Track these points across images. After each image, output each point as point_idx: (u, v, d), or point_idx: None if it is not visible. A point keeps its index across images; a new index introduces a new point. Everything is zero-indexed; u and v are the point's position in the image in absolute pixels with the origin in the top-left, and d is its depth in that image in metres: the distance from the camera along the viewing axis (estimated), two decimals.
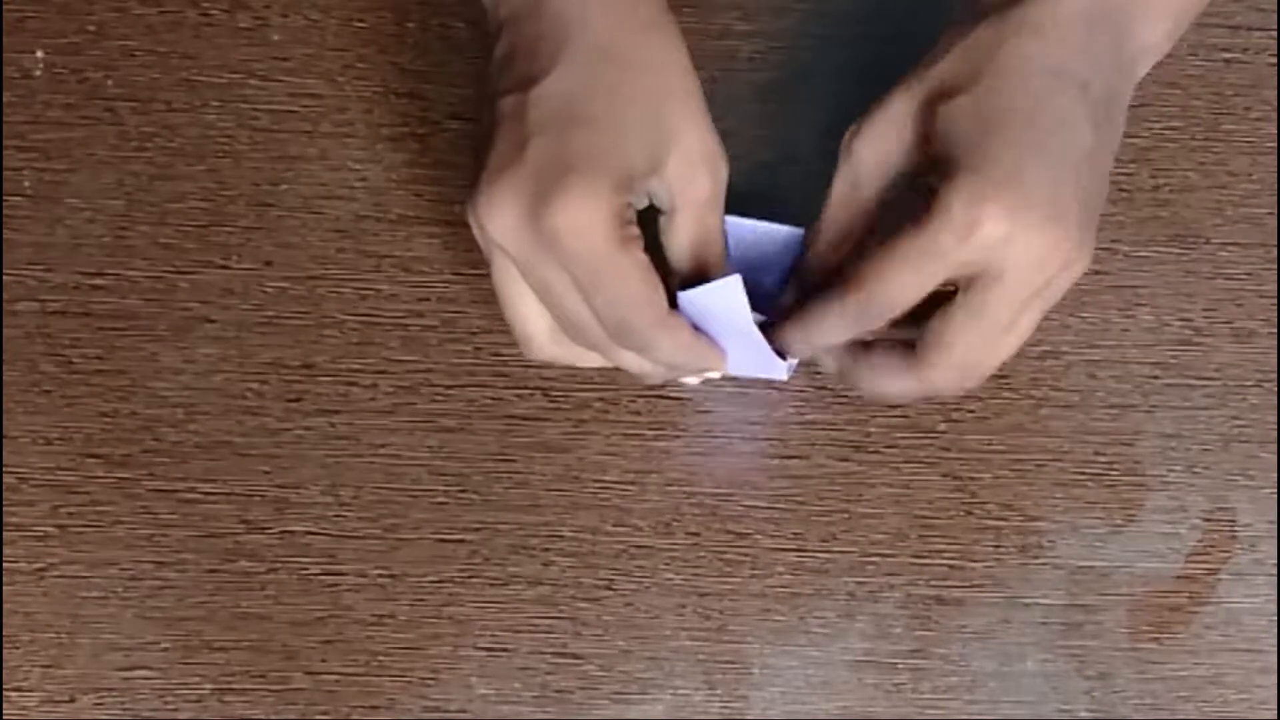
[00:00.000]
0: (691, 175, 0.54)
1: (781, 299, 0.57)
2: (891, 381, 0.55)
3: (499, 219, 0.51)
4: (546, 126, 0.52)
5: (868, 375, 0.56)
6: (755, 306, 0.54)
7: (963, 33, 0.53)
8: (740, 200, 0.63)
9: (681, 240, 0.55)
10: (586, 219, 0.51)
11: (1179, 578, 0.63)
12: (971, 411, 0.64)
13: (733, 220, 0.57)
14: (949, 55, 0.52)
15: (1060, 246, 0.51)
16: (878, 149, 0.54)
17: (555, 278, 0.52)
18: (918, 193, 0.52)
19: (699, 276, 0.55)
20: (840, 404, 0.63)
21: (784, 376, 0.58)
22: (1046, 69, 0.51)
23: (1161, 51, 0.55)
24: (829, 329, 0.54)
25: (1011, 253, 0.50)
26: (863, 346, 0.56)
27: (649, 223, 0.55)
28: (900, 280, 0.51)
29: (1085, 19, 0.52)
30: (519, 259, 0.52)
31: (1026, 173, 0.50)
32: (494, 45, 0.54)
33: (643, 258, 0.52)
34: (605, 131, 0.52)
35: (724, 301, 0.54)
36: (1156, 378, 0.64)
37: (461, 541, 0.63)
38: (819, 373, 0.61)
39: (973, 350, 0.53)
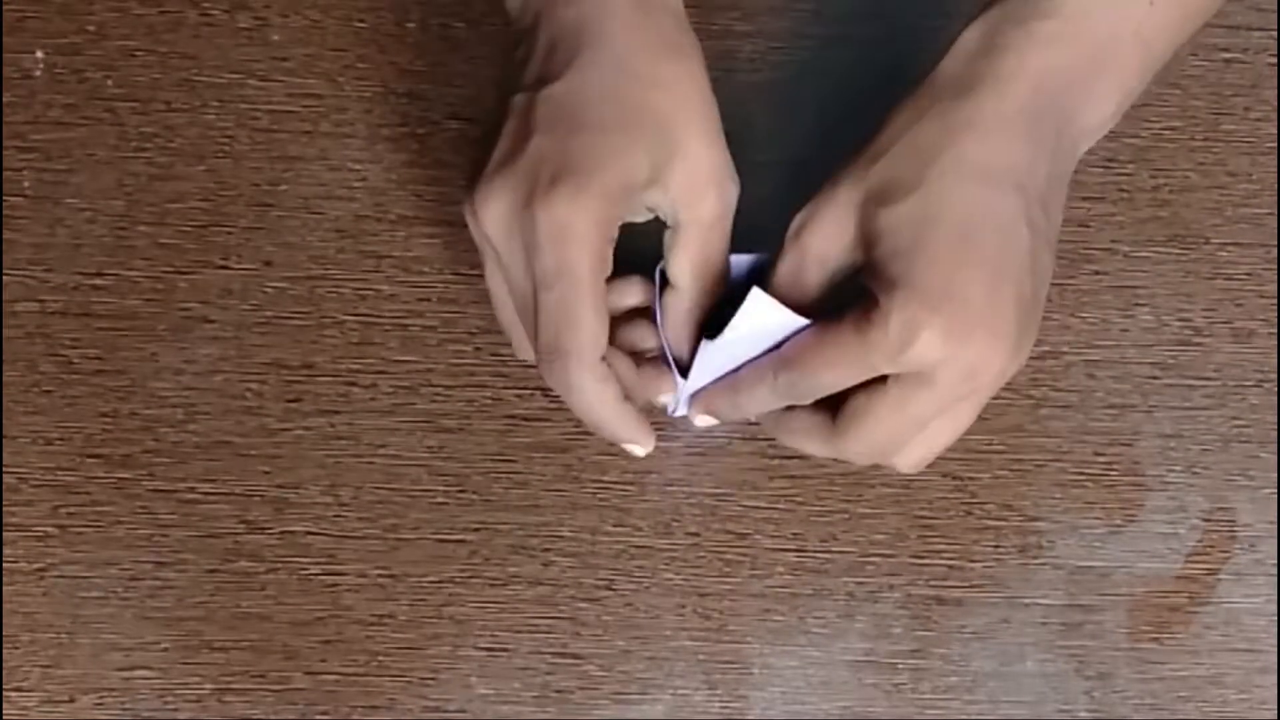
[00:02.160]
0: (697, 193, 0.53)
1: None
2: (808, 442, 0.57)
3: (491, 210, 0.52)
4: (551, 126, 0.52)
5: (786, 433, 0.57)
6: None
7: (909, 124, 0.52)
8: (741, 198, 0.63)
9: (682, 259, 0.55)
10: (568, 218, 0.51)
11: (1179, 578, 0.63)
12: None
13: None
14: (892, 153, 0.52)
15: (994, 359, 0.51)
16: (821, 244, 0.54)
17: (521, 271, 0.53)
18: (861, 285, 0.53)
19: (701, 297, 0.56)
20: None
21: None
22: (986, 174, 0.51)
23: (1108, 126, 0.55)
24: (757, 400, 0.56)
25: (944, 366, 0.51)
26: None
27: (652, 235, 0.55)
28: (832, 372, 0.53)
29: (1029, 115, 0.52)
30: (500, 252, 0.53)
31: (964, 289, 0.50)
32: (514, 49, 0.54)
33: (603, 287, 0.52)
34: (608, 137, 0.52)
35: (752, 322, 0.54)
36: (1156, 378, 0.64)
37: (461, 541, 0.63)
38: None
39: (890, 435, 0.54)
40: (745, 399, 0.56)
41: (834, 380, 0.53)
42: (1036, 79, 0.52)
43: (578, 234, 0.51)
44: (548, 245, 0.51)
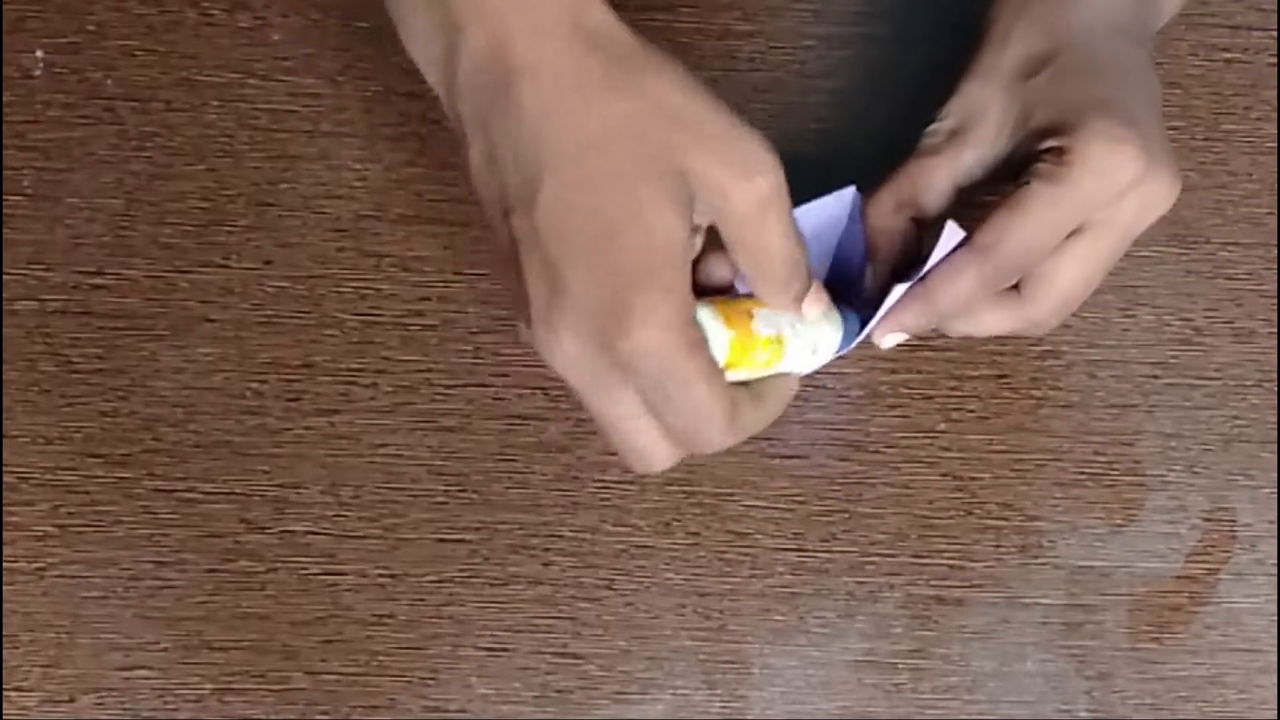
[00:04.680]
0: (724, 193, 0.49)
1: (865, 285, 0.57)
2: (1000, 322, 0.56)
3: (563, 355, 0.49)
4: (571, 251, 0.48)
5: (974, 323, 0.56)
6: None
7: (1021, 8, 0.55)
8: None
9: (736, 255, 0.52)
10: (658, 337, 0.48)
11: (1179, 578, 0.63)
12: (971, 411, 0.64)
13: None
14: (1015, 34, 0.54)
15: (1173, 189, 0.53)
16: (978, 138, 0.55)
17: (624, 398, 0.50)
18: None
19: (763, 286, 0.52)
20: (840, 404, 0.63)
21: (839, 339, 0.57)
22: (1112, 31, 0.54)
23: (1175, 11, 0.59)
24: (959, 297, 0.54)
25: (1135, 195, 0.52)
26: None
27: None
28: (1038, 237, 0.53)
29: None
30: (584, 388, 0.50)
31: (1141, 118, 0.52)
32: (465, 147, 0.50)
33: (708, 362, 0.50)
34: (628, 231, 0.48)
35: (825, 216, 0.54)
36: (1156, 378, 0.64)
37: (461, 541, 0.63)
38: (819, 372, 0.61)
39: (1079, 287, 0.55)
40: (944, 299, 0.54)
41: (1042, 245, 0.53)
42: None
43: (672, 343, 0.48)
44: (648, 371, 0.49)
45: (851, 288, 0.57)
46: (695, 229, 0.51)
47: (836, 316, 0.56)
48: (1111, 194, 0.52)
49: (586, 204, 0.48)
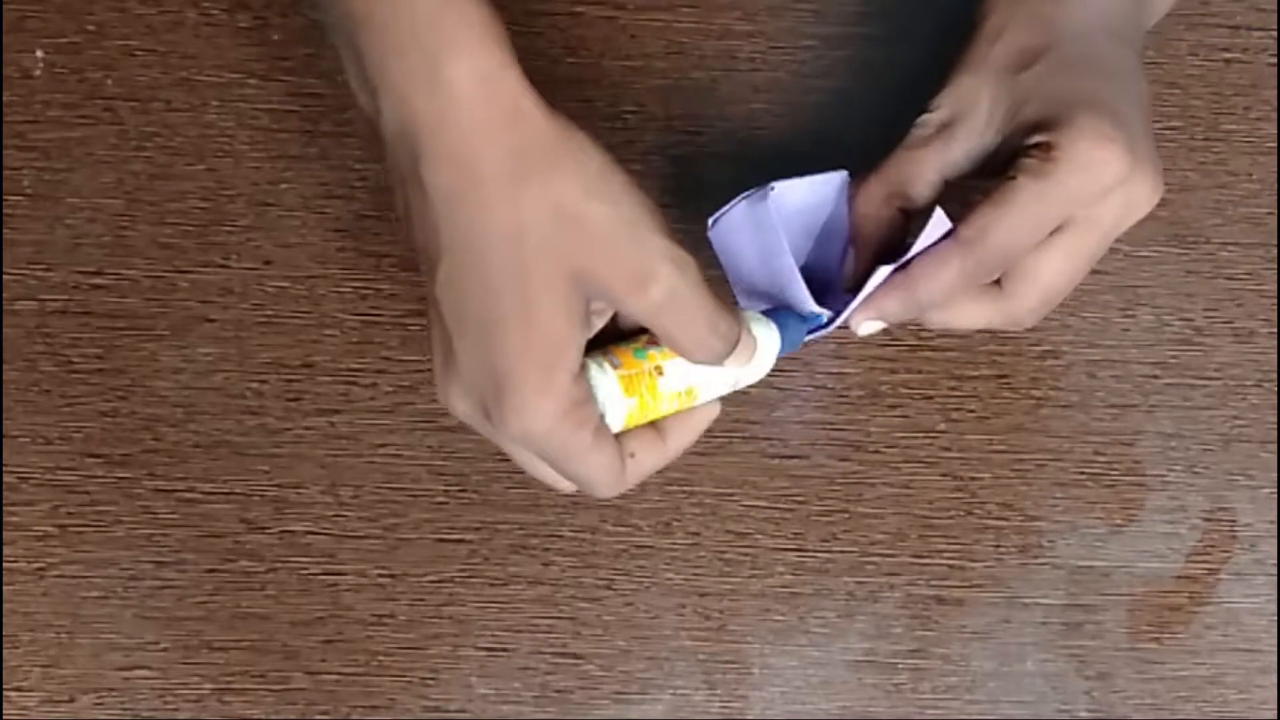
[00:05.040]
0: (618, 300, 0.49)
1: (844, 268, 0.57)
2: (979, 316, 0.56)
3: (457, 411, 0.51)
4: (460, 330, 0.49)
5: (957, 315, 0.56)
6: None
7: (1010, 7, 0.55)
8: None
9: (667, 340, 0.52)
10: (536, 426, 0.49)
11: (1179, 578, 0.63)
12: (971, 411, 0.64)
13: (781, 184, 0.56)
14: (1010, 29, 0.55)
15: (1155, 191, 0.53)
16: (968, 129, 0.55)
17: (518, 453, 0.53)
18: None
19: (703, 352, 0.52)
20: (840, 404, 0.63)
21: (817, 311, 0.56)
22: (1104, 30, 0.55)
23: (1165, 11, 0.59)
24: (943, 284, 0.54)
25: (1119, 193, 0.52)
26: None
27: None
28: (1021, 232, 0.53)
29: None
30: (485, 435, 0.52)
31: (1129, 118, 0.53)
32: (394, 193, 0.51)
33: (592, 435, 0.50)
34: (514, 327, 0.48)
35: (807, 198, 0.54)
36: (1156, 377, 0.64)
37: (461, 541, 0.63)
38: (819, 372, 0.61)
39: (1060, 282, 0.55)
40: (925, 291, 0.54)
41: (1026, 240, 0.53)
42: None
43: (547, 425, 0.49)
44: (529, 445, 0.51)
45: (830, 271, 0.57)
46: (597, 311, 0.52)
47: (770, 323, 0.55)
48: (1096, 191, 0.52)
49: (478, 292, 0.49)
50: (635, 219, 0.49)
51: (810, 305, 0.55)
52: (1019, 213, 0.52)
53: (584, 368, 0.51)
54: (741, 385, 0.55)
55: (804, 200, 0.56)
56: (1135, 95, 0.54)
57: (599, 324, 0.53)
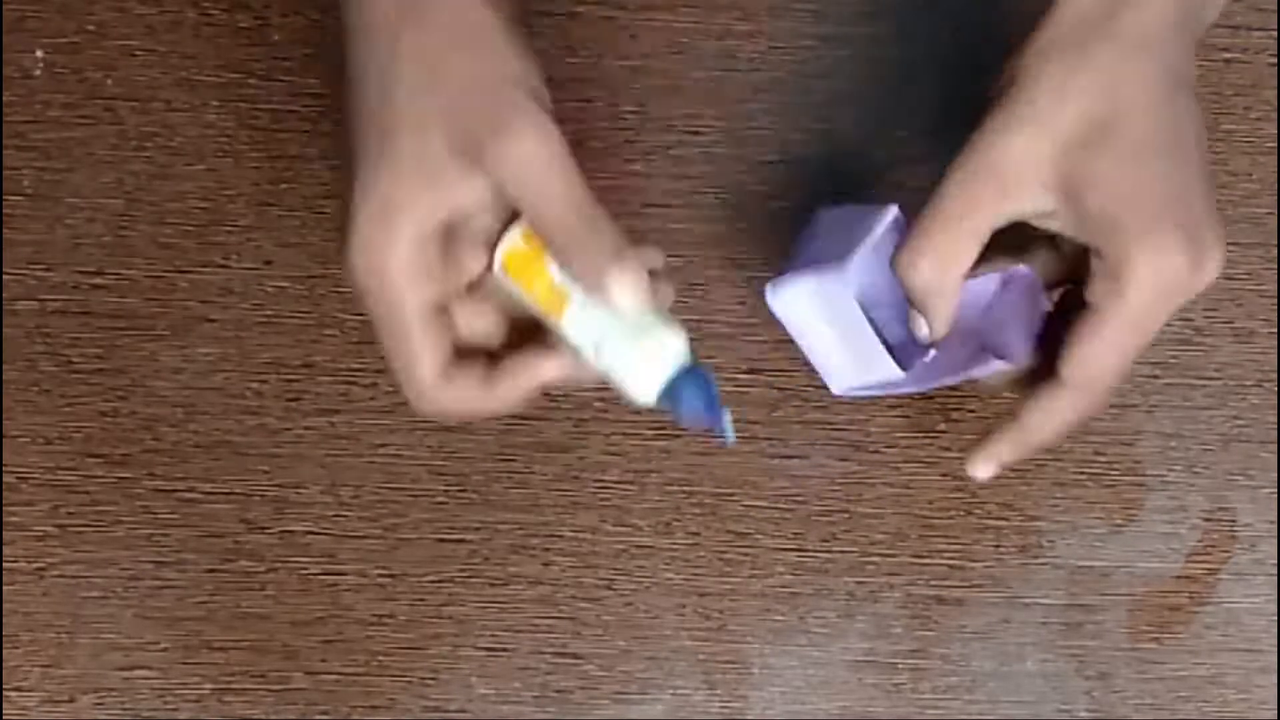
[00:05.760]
0: (488, 158, 0.49)
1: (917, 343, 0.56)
2: (1068, 422, 0.55)
3: (345, 266, 0.51)
4: (345, 164, 0.51)
5: (1050, 433, 0.56)
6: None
7: (1076, 57, 0.51)
8: (741, 197, 0.63)
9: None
10: (363, 256, 0.50)
11: (1179, 578, 0.63)
12: (972, 411, 0.64)
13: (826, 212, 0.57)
14: (1072, 93, 0.51)
15: (1219, 265, 0.52)
16: (1015, 195, 0.52)
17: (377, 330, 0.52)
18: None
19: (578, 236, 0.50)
20: (840, 404, 0.63)
21: (899, 375, 0.57)
22: (1168, 85, 0.51)
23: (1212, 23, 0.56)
24: (1057, 429, 0.55)
25: (1190, 285, 0.51)
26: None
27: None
28: (1117, 355, 0.52)
29: (1175, 24, 0.52)
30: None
31: (1194, 201, 0.51)
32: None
33: (415, 308, 0.50)
34: (373, 160, 0.50)
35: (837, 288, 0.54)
36: (1156, 378, 0.64)
37: (461, 541, 0.63)
38: (819, 372, 0.61)
39: (1125, 361, 0.53)
40: (1040, 437, 0.55)
41: (1123, 362, 0.53)
42: None
43: (368, 268, 0.50)
44: (361, 291, 0.51)
45: (887, 311, 0.57)
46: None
47: (667, 328, 0.50)
48: (1172, 298, 0.52)
49: (354, 125, 0.50)
50: (504, 75, 0.50)
51: (897, 372, 0.56)
52: (1109, 342, 0.52)
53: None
54: (609, 361, 0.50)
55: (868, 264, 0.56)
56: (1199, 161, 0.52)
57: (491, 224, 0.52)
